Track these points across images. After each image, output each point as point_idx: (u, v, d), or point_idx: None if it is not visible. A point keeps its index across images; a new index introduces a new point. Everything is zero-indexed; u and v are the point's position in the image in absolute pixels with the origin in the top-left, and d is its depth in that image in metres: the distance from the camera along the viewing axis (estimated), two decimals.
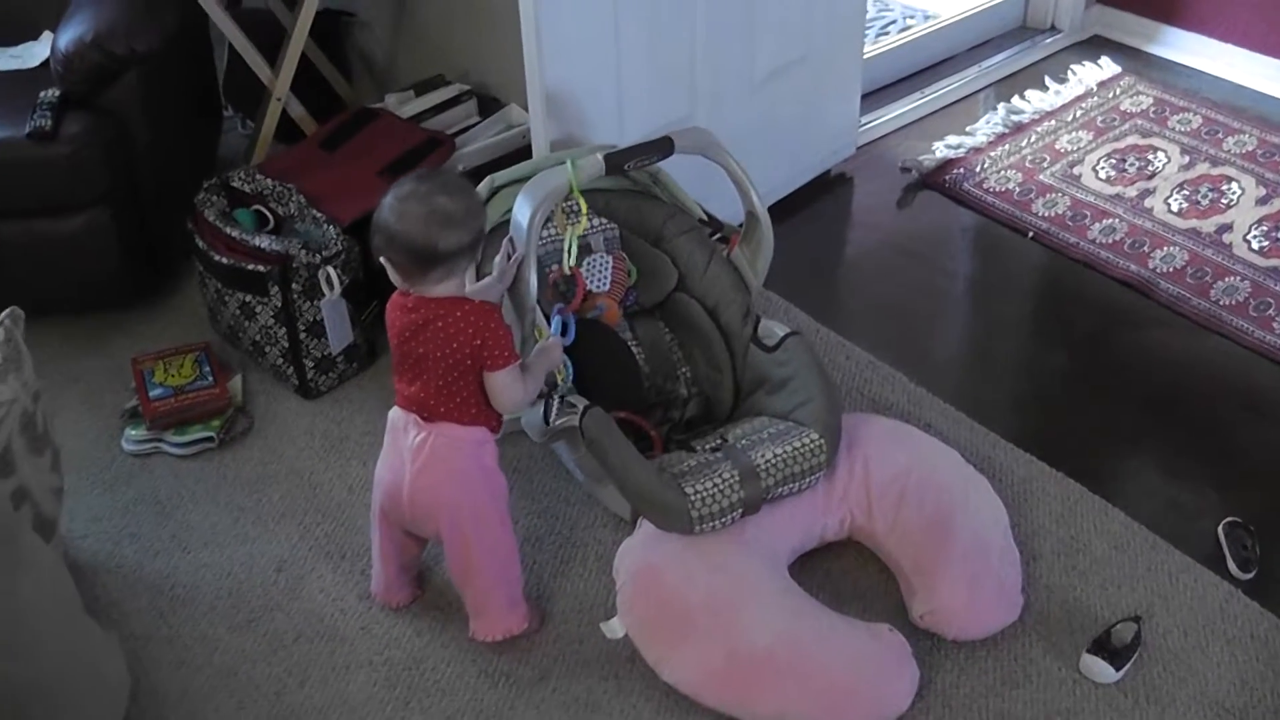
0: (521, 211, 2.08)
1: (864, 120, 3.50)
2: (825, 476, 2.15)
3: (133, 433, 2.55)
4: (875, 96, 3.64)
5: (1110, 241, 3.02)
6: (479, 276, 2.15)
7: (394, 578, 2.14)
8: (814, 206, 3.25)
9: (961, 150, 3.41)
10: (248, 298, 2.55)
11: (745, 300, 2.35)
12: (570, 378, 2.17)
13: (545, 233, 2.34)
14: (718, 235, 2.45)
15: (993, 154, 3.39)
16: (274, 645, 2.11)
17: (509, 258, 2.11)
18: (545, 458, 2.45)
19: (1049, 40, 3.92)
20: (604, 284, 2.41)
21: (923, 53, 3.80)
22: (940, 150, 3.40)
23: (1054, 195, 3.21)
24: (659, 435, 2.30)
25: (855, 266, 3.11)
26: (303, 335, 2.57)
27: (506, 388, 1.95)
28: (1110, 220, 3.09)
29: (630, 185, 2.51)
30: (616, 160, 2.09)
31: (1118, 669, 1.98)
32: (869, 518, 2.15)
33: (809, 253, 3.07)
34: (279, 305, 2.53)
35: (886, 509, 2.14)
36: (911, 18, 4.14)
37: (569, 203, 2.23)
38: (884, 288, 2.98)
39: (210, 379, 2.60)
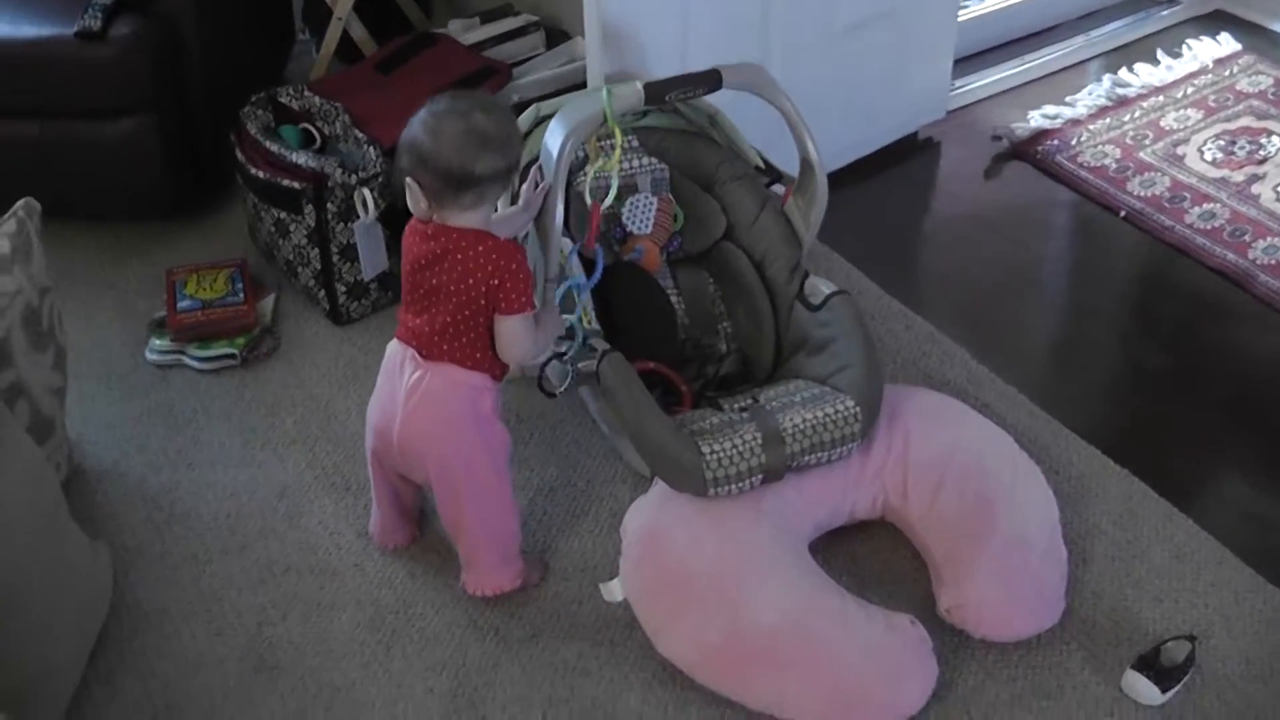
0: (552, 138, 1.94)
1: (956, 84, 3.29)
2: (860, 450, 1.98)
3: (157, 342, 2.48)
4: (970, 61, 3.42)
5: (1209, 228, 2.80)
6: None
7: (391, 519, 2.03)
8: (894, 170, 3.07)
9: (1058, 121, 3.19)
10: (282, 215, 2.46)
11: (794, 254, 2.19)
12: (594, 321, 2.03)
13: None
14: (773, 183, 2.29)
15: (1091, 127, 3.17)
16: (263, 574, 2.03)
17: (536, 186, 1.97)
18: (572, 406, 2.32)
19: (1166, 12, 3.66)
20: (646, 226, 2.27)
21: (1025, 18, 3.56)
22: (1035, 119, 3.19)
23: (1152, 174, 2.99)
24: (690, 391, 2.15)
25: (931, 235, 2.92)
26: (336, 258, 2.46)
27: (516, 335, 1.82)
28: (1211, 205, 2.86)
29: (685, 125, 2.36)
30: (657, 90, 1.93)
31: (1164, 691, 1.80)
32: (904, 498, 1.99)
33: (883, 217, 2.90)
34: (312, 225, 2.43)
35: (924, 491, 1.97)
36: None
37: (606, 136, 2.07)
38: (958, 260, 2.79)
39: (241, 296, 2.52)
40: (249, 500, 2.16)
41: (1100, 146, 3.10)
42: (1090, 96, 3.29)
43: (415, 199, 1.80)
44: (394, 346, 1.88)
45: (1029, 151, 3.10)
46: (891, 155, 3.09)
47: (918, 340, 2.48)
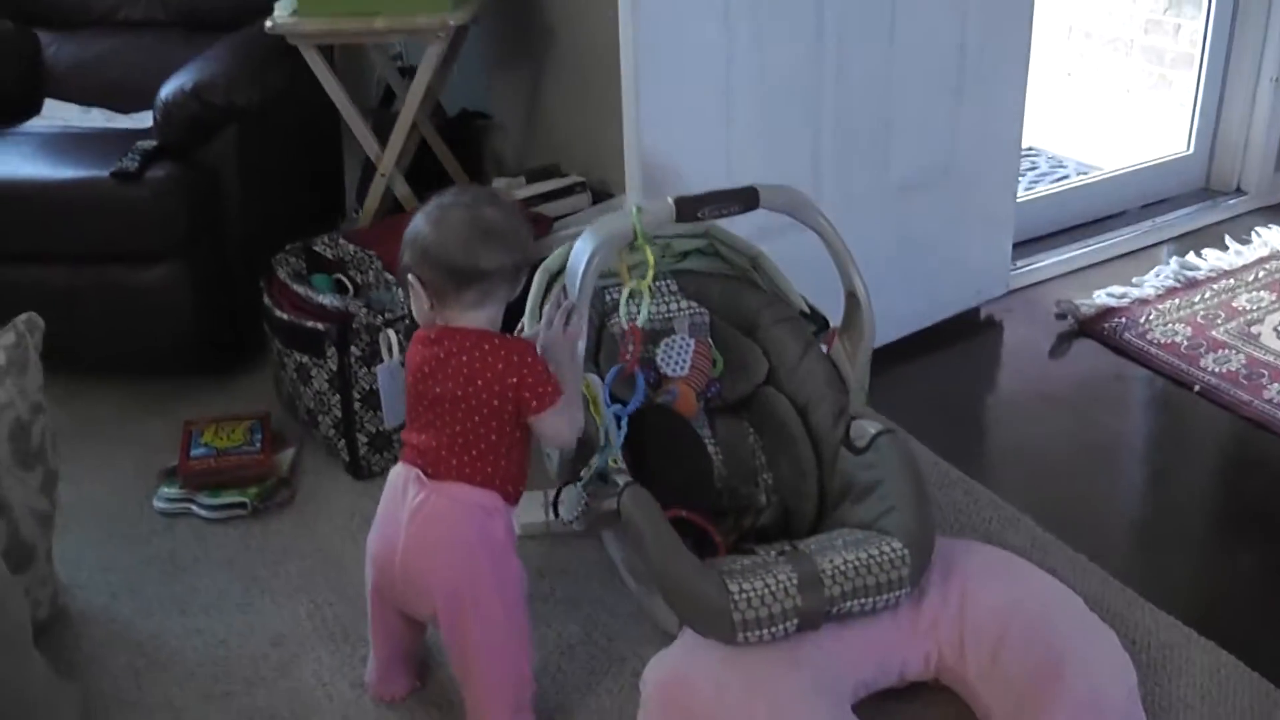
0: (579, 255, 1.83)
1: (1017, 264, 3.19)
2: (910, 601, 1.78)
3: (166, 490, 2.36)
4: (1031, 244, 3.33)
5: None
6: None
7: (387, 665, 1.84)
8: (955, 346, 2.94)
9: (1125, 300, 3.05)
10: (304, 359, 2.36)
11: (840, 400, 2.03)
12: (618, 449, 1.87)
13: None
14: (819, 332, 2.16)
15: (1160, 306, 3.03)
16: None
17: (560, 307, 1.84)
18: (597, 562, 2.14)
19: (1233, 202, 3.57)
20: (681, 368, 2.13)
21: (1086, 203, 3.49)
22: (1101, 297, 3.05)
23: (1227, 351, 2.82)
24: (724, 543, 1.96)
25: (994, 409, 2.76)
26: (357, 405, 2.35)
27: (559, 424, 1.70)
28: None
29: (727, 269, 2.25)
30: (689, 205, 1.83)
31: None
32: (960, 657, 1.77)
33: (943, 391, 2.75)
34: (334, 369, 2.33)
35: (983, 648, 1.75)
36: (1061, 168, 3.84)
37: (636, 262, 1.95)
38: (1023, 433, 2.62)
39: (258, 446, 2.41)
40: (239, 648, 1.98)
41: (1170, 325, 2.95)
42: (1157, 278, 3.17)
43: (418, 299, 1.69)
44: (397, 470, 1.74)
45: (1095, 329, 2.96)
46: (952, 331, 2.96)
47: (978, 507, 2.29)
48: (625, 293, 1.89)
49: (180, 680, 1.92)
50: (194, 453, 2.38)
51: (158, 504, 2.34)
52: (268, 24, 2.62)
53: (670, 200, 1.83)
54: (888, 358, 2.74)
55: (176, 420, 2.52)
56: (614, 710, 1.84)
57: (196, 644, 2.00)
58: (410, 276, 1.68)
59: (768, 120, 2.43)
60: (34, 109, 3.05)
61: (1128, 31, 4.56)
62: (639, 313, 1.91)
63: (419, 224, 1.68)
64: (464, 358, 1.66)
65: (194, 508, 2.32)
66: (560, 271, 2.01)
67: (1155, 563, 2.19)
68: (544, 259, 2.06)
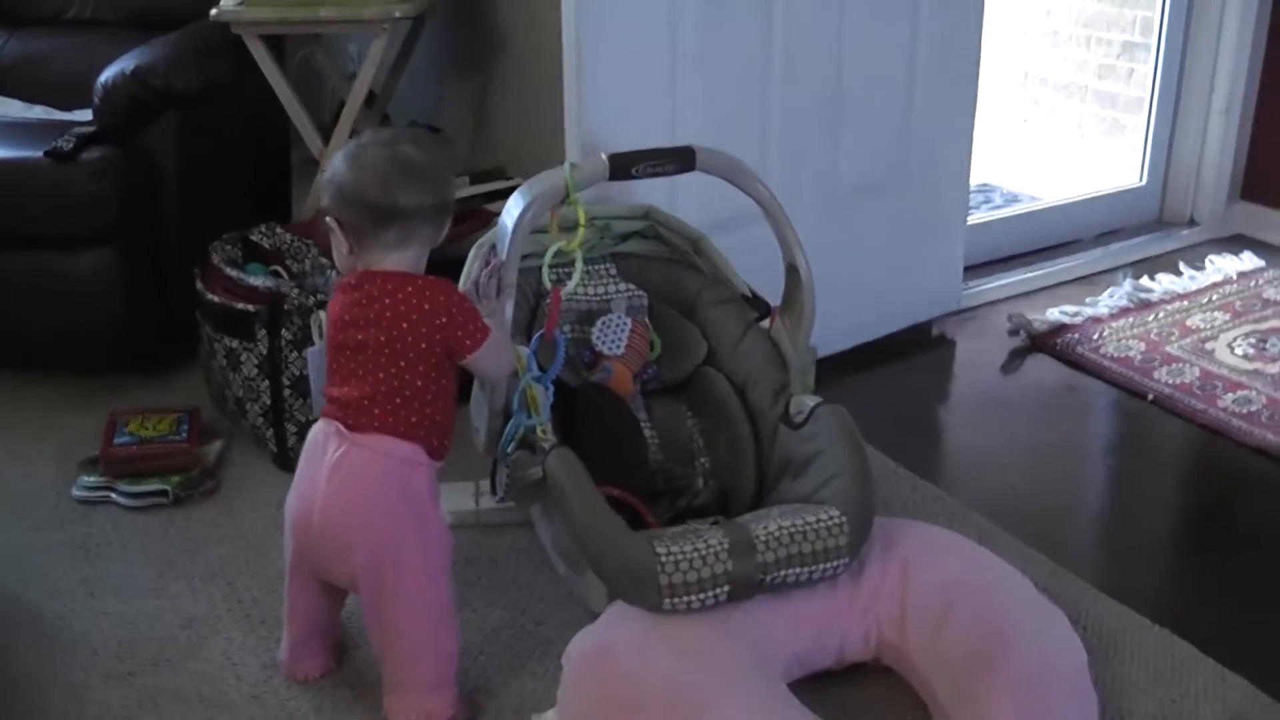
0: (509, 211, 1.77)
1: (970, 284, 3.16)
2: (849, 576, 1.71)
3: (86, 479, 2.27)
4: (985, 268, 3.30)
5: (1245, 411, 2.56)
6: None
7: (302, 642, 1.75)
8: (905, 357, 2.89)
9: (1078, 318, 3.02)
10: (234, 343, 2.29)
11: (780, 377, 1.98)
12: (547, 416, 1.79)
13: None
14: (761, 318, 2.10)
15: (1113, 325, 3.00)
16: (144, 702, 1.73)
17: (488, 266, 1.78)
18: (527, 549, 2.06)
19: (1186, 232, 3.56)
20: (618, 347, 2.07)
21: (1040, 230, 3.46)
22: (1054, 315, 3.02)
23: (1181, 365, 2.78)
24: (656, 520, 1.88)
25: (944, 415, 2.71)
26: (287, 392, 2.27)
27: (494, 360, 1.67)
28: (1246, 392, 2.64)
29: (668, 253, 2.20)
30: (623, 161, 1.78)
31: None
32: (901, 632, 1.69)
33: (892, 399, 2.70)
34: (264, 353, 2.26)
35: (925, 623, 1.68)
36: (1016, 201, 3.83)
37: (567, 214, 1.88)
38: (973, 435, 2.58)
39: (184, 435, 2.32)
40: (147, 629, 1.89)
41: (1124, 341, 2.91)
42: (1111, 299, 3.14)
43: (337, 243, 1.63)
44: (317, 426, 1.66)
45: (1048, 344, 2.92)
46: (902, 343, 2.92)
47: (925, 502, 2.23)
48: (550, 252, 1.82)
49: (83, 660, 1.82)
50: (117, 440, 2.29)
51: (76, 492, 2.25)
52: (213, 12, 2.57)
53: (604, 156, 1.77)
54: (836, 366, 2.70)
55: (103, 414, 2.42)
56: (539, 691, 1.75)
57: (103, 625, 1.90)
58: (329, 219, 1.62)
59: (714, 110, 2.39)
60: None
61: (1081, 77, 4.60)
62: (575, 276, 1.84)
63: (336, 163, 1.63)
64: (387, 300, 1.60)
65: (114, 495, 2.23)
66: (493, 248, 1.95)
67: (1107, 556, 2.13)
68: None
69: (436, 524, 1.65)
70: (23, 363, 2.62)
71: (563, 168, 1.76)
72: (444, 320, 1.59)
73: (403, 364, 1.59)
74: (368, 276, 1.61)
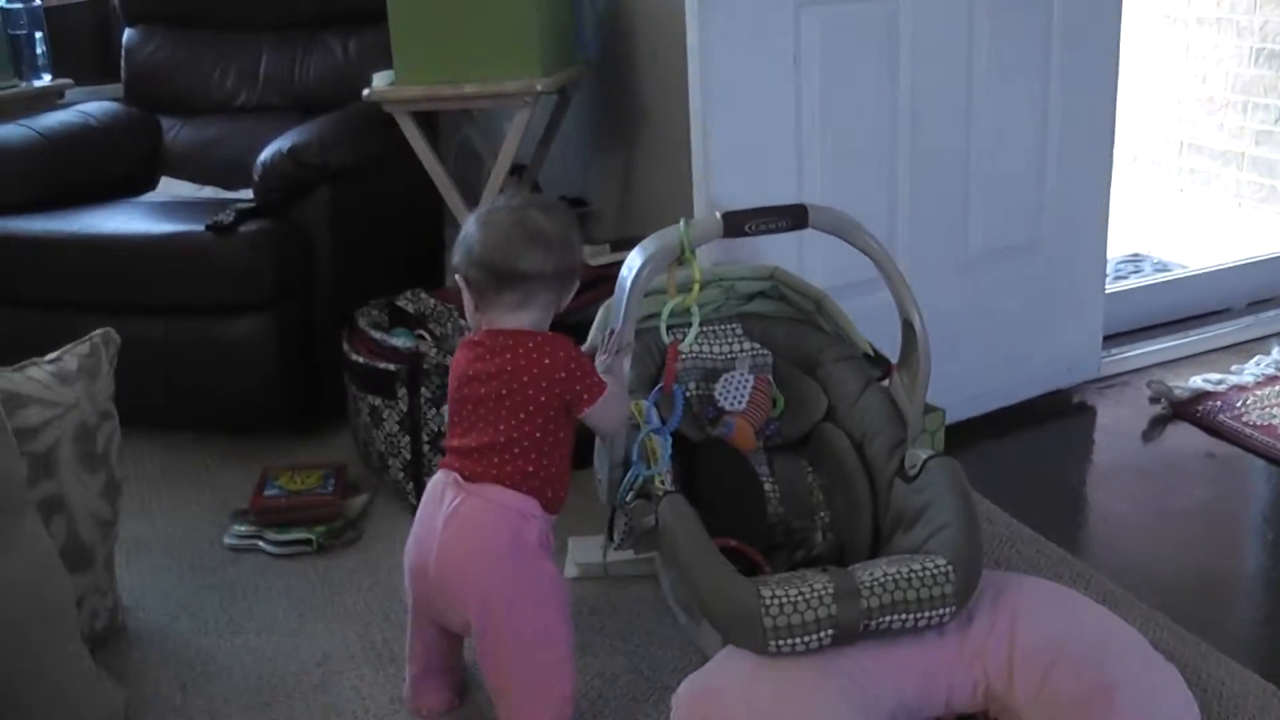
0: (627, 269, 1.85)
1: (1112, 352, 3.12)
2: (957, 625, 1.71)
3: (237, 528, 2.41)
4: (1127, 336, 3.25)
5: None
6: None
7: (424, 677, 1.83)
8: (1043, 423, 2.86)
9: (1222, 386, 2.95)
10: (377, 401, 2.41)
11: (897, 432, 1.99)
12: (666, 464, 1.85)
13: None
14: (885, 376, 2.13)
15: (1258, 393, 2.92)
16: None
17: (613, 339, 1.85)
18: (651, 600, 2.11)
19: None
20: (739, 403, 2.12)
21: (1187, 297, 3.39)
22: (1196, 383, 2.95)
23: None
24: (773, 572, 1.91)
25: (1078, 480, 2.66)
26: (426, 448, 2.38)
27: (608, 414, 1.73)
28: None
29: (792, 313, 2.25)
30: (736, 220, 1.84)
31: None
32: (1009, 684, 1.68)
33: (1027, 463, 2.68)
34: (405, 410, 2.37)
35: (1033, 673, 1.66)
36: (1166, 271, 3.75)
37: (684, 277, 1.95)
38: (1105, 501, 2.53)
39: (331, 490, 2.45)
40: (285, 664, 1.99)
41: (1268, 409, 2.83)
42: (1258, 366, 3.05)
43: (466, 301, 1.73)
44: (436, 476, 1.75)
45: (1189, 411, 2.85)
46: (1041, 410, 2.90)
47: (1050, 563, 2.20)
48: (667, 308, 1.89)
49: (225, 691, 1.93)
50: (267, 492, 2.43)
51: (227, 540, 2.39)
52: (365, 92, 2.74)
53: (718, 215, 1.84)
54: (971, 431, 2.70)
55: (256, 469, 2.58)
56: None
57: (245, 660, 2.01)
58: (458, 276, 1.72)
59: (839, 176, 2.44)
60: (152, 187, 3.23)
61: (1238, 145, 4.51)
62: (691, 331, 1.91)
63: (468, 225, 1.73)
64: (507, 355, 1.68)
65: (261, 544, 2.36)
66: None
67: (1235, 621, 2.07)
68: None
69: (548, 573, 1.71)
70: (184, 423, 2.80)
71: (678, 225, 1.84)
72: (563, 375, 1.67)
73: (522, 416, 1.67)
74: (490, 334, 1.71)
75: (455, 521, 1.67)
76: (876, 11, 2.43)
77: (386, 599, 2.17)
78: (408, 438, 2.39)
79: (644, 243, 1.87)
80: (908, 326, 1.97)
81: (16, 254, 2.70)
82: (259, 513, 2.38)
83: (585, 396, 1.69)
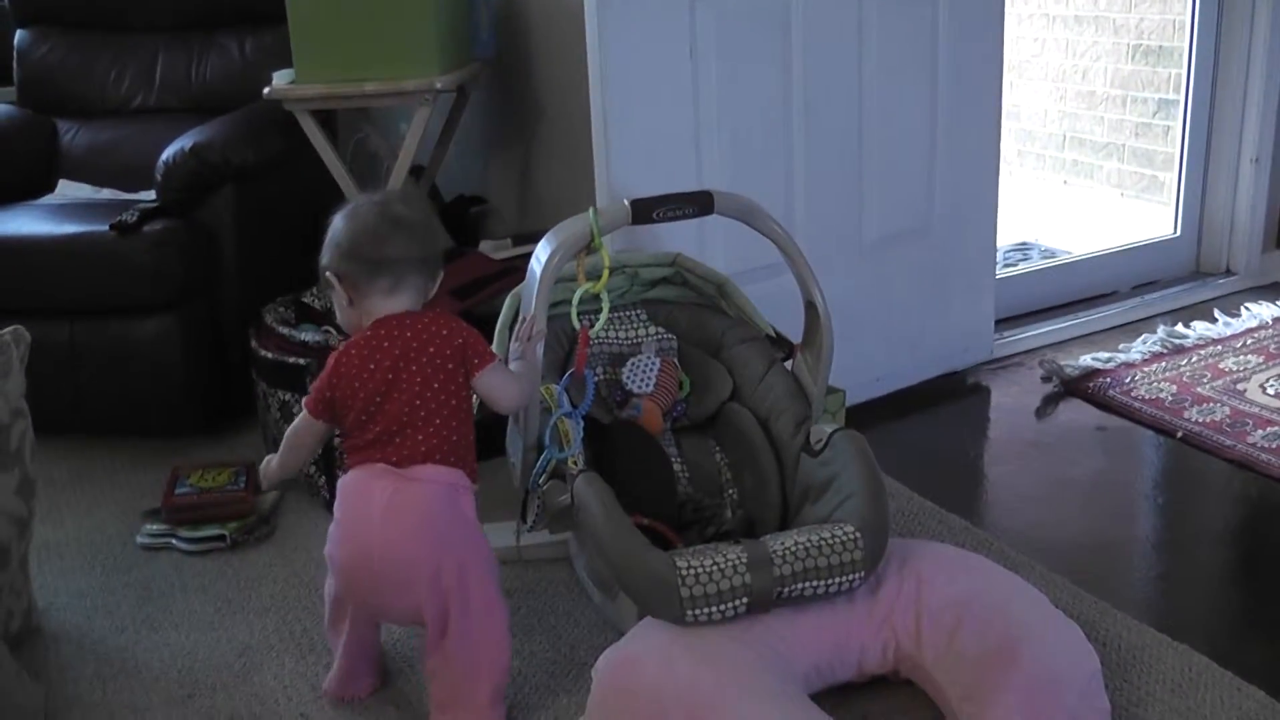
0: (537, 258, 1.89)
1: (1004, 334, 3.23)
2: (866, 591, 1.77)
3: (149, 527, 2.40)
4: (1018, 319, 3.37)
5: (1275, 446, 2.60)
6: None
7: (354, 668, 1.85)
8: (938, 404, 2.96)
9: (1111, 364, 3.08)
10: (287, 396, 2.42)
11: (802, 410, 2.06)
12: (578, 447, 1.89)
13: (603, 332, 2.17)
14: (787, 357, 2.19)
15: (1146, 369, 3.05)
16: None
17: (525, 326, 1.89)
18: (565, 582, 2.15)
19: (1222, 281, 3.60)
20: (648, 385, 2.17)
21: (1075, 281, 3.53)
22: (1086, 360, 3.08)
23: (1211, 405, 2.82)
24: (683, 543, 1.97)
25: (974, 456, 2.76)
26: (337, 440, 2.38)
27: (503, 384, 1.77)
28: (1276, 428, 2.68)
29: (695, 298, 2.31)
30: (644, 207, 1.89)
31: None
32: (917, 644, 1.75)
33: (925, 441, 2.77)
34: None
35: (939, 633, 1.74)
36: (1052, 258, 3.89)
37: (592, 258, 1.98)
38: (1002, 474, 2.63)
39: (241, 485, 2.44)
40: (205, 658, 2.00)
41: (1156, 383, 2.96)
42: (1144, 344, 3.19)
43: (338, 299, 1.76)
44: (355, 475, 1.73)
45: (1080, 388, 2.97)
46: (935, 391, 3.00)
47: (951, 532, 2.29)
48: (577, 295, 1.93)
49: (145, 686, 1.93)
50: (178, 491, 2.42)
51: (140, 539, 2.38)
52: (265, 91, 2.74)
53: (626, 202, 1.89)
54: (869, 413, 2.78)
55: (165, 470, 2.56)
56: (572, 706, 1.83)
57: (164, 655, 2.01)
58: (328, 274, 1.75)
59: (738, 165, 2.51)
60: (50, 190, 3.18)
61: (1119, 137, 4.68)
62: (601, 316, 1.95)
63: (334, 222, 1.77)
64: (407, 334, 1.72)
65: (174, 541, 2.35)
66: None
67: (1129, 579, 2.17)
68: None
69: (486, 544, 1.75)
70: (90, 426, 2.77)
71: (587, 214, 1.88)
72: (460, 341, 1.73)
73: (435, 386, 1.70)
74: (379, 323, 1.73)
75: (394, 510, 1.67)
76: (770, 4, 2.50)
77: (303, 590, 2.17)
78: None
79: (553, 231, 1.92)
80: (810, 307, 2.03)
81: None
82: (171, 511, 2.37)
83: (477, 361, 1.74)
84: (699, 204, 1.90)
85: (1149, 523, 2.40)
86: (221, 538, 2.33)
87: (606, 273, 1.91)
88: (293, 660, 1.97)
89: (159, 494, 2.46)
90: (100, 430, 2.78)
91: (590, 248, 1.90)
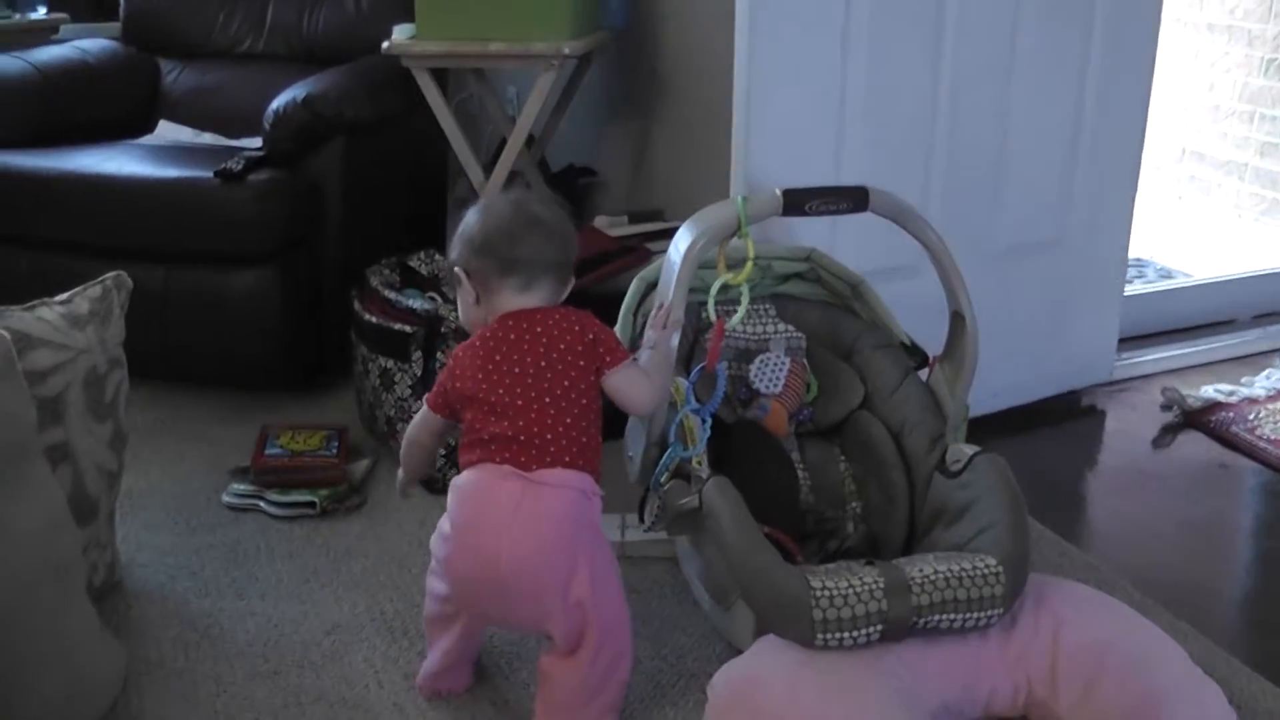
0: (678, 243, 1.78)
1: (1125, 356, 3.09)
2: (1001, 628, 1.66)
3: (237, 486, 2.32)
4: (1137, 341, 3.23)
5: None
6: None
7: (446, 667, 1.75)
8: (1055, 424, 2.83)
9: (1234, 397, 2.93)
10: (389, 364, 2.33)
11: (937, 425, 1.94)
12: (703, 446, 1.78)
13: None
14: (919, 368, 2.07)
15: (1270, 406, 2.89)
16: (289, 701, 1.75)
17: (661, 314, 1.78)
18: (670, 583, 2.05)
19: None
20: (775, 385, 2.06)
21: (1196, 306, 3.38)
22: (1208, 392, 2.93)
23: None
24: (807, 561, 1.86)
25: (1092, 483, 2.63)
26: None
27: (636, 384, 1.67)
28: None
29: (827, 296, 2.19)
30: (797, 198, 1.77)
31: None
32: (1052, 690, 1.64)
33: (1041, 464, 2.64)
34: (419, 374, 2.29)
35: (1075, 682, 1.62)
36: (1170, 279, 3.73)
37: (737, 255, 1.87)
38: (1122, 507, 2.49)
39: (334, 452, 2.36)
40: (293, 631, 1.91)
41: None
42: (1269, 380, 3.03)
43: (464, 294, 1.67)
44: (471, 478, 1.61)
45: (1201, 421, 2.83)
46: (1051, 410, 2.87)
47: (1074, 568, 2.16)
48: (716, 285, 1.81)
49: (229, 656, 1.85)
50: (268, 451, 2.34)
51: (226, 498, 2.30)
52: (384, 45, 2.65)
53: (778, 191, 1.77)
54: (984, 427, 2.64)
55: (253, 427, 2.49)
56: None
57: (249, 625, 1.93)
58: (457, 270, 1.67)
59: (878, 159, 2.39)
60: (149, 130, 3.11)
61: (1242, 155, 4.50)
62: (740, 309, 1.84)
63: (467, 218, 1.69)
64: (538, 329, 1.62)
65: (262, 504, 2.28)
66: (656, 282, 1.96)
67: (1261, 636, 2.03)
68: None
69: (612, 553, 1.66)
70: (182, 375, 2.70)
71: (735, 200, 1.77)
72: (592, 338, 1.63)
73: (566, 384, 1.61)
74: (508, 316, 1.64)
75: (524, 516, 1.56)
76: (924, 2, 2.37)
77: (394, 568, 2.09)
78: (420, 403, 2.30)
79: (697, 216, 1.80)
80: (957, 318, 1.91)
81: (15, 191, 2.59)
82: (261, 473, 2.29)
83: (608, 359, 1.64)
84: (853, 200, 1.79)
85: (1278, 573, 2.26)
86: (311, 504, 2.25)
87: (750, 264, 1.79)
88: (384, 643, 1.89)
89: (246, 451, 2.40)
90: (186, 378, 2.72)
91: (736, 236, 1.78)
